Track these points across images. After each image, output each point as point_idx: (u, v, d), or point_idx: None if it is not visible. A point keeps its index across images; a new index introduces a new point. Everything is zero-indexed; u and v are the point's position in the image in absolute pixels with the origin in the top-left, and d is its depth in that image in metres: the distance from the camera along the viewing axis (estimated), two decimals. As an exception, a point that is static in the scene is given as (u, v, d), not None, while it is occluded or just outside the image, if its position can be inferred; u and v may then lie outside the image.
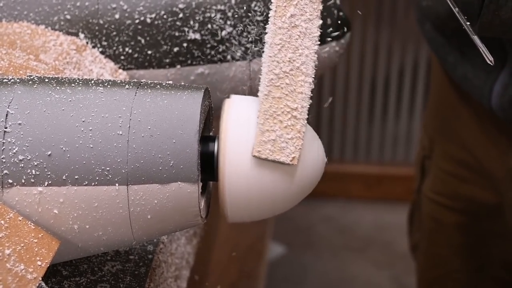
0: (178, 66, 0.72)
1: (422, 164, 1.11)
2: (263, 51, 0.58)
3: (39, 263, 0.53)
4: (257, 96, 0.59)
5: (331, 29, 0.75)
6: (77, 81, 0.57)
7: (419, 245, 1.16)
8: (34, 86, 0.56)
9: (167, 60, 0.72)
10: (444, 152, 1.05)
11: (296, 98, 0.57)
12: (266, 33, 0.58)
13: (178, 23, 0.71)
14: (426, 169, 1.10)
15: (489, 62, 0.65)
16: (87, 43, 0.71)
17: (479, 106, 0.94)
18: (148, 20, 0.71)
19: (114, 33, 0.71)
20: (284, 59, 0.57)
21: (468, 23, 0.66)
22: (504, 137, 0.95)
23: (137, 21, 0.71)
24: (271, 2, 0.58)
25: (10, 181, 0.54)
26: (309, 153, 0.57)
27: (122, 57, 0.72)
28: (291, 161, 0.56)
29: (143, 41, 0.71)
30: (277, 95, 0.57)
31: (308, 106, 0.58)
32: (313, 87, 0.58)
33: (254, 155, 0.56)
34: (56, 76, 0.61)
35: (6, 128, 0.54)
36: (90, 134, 0.54)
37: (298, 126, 0.57)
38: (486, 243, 1.06)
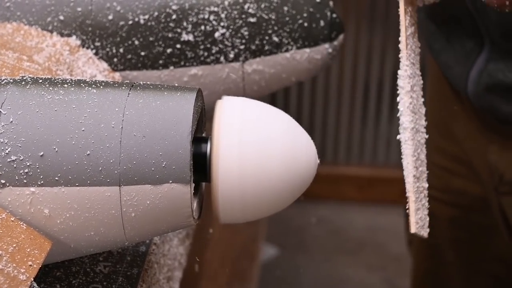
0: (171, 67, 0.73)
1: None
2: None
3: (31, 263, 0.53)
4: (249, 97, 0.59)
5: (324, 31, 0.76)
6: (70, 81, 0.57)
7: (414, 239, 1.17)
8: (27, 87, 0.56)
9: (160, 61, 0.72)
10: (436, 146, 1.06)
11: (425, 179, 0.68)
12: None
13: (171, 24, 0.71)
14: None
15: None
16: (80, 44, 0.71)
17: (466, 99, 0.95)
18: (142, 21, 0.71)
19: (107, 34, 0.71)
20: (418, 156, 0.68)
21: None
22: (482, 130, 0.96)
23: (130, 22, 0.71)
24: (403, 115, 0.69)
25: (3, 181, 0.54)
26: (301, 155, 0.58)
27: (115, 58, 0.72)
28: (427, 234, 0.65)
29: (136, 42, 0.71)
30: (418, 174, 0.67)
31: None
32: None
33: (415, 232, 0.64)
34: (49, 76, 0.61)
35: (-2, 128, 0.54)
36: (83, 135, 0.54)
37: (427, 204, 0.67)
38: (478, 236, 1.07)
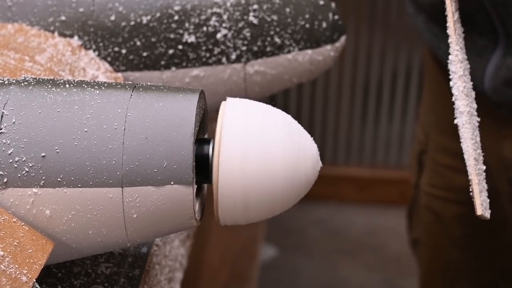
0: (173, 69, 0.72)
1: (419, 159, 1.12)
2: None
3: (33, 264, 0.53)
4: (251, 98, 0.59)
5: (326, 32, 0.76)
6: (73, 82, 0.57)
7: (419, 240, 1.17)
8: (30, 88, 0.56)
9: (162, 62, 0.72)
10: (438, 145, 1.06)
11: (481, 160, 0.70)
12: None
13: (173, 25, 0.71)
14: (423, 163, 1.11)
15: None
16: (82, 44, 0.71)
17: (478, 95, 0.95)
18: (144, 22, 0.71)
19: (110, 34, 0.71)
20: (475, 139, 0.71)
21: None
22: (495, 125, 0.97)
23: (132, 23, 0.71)
24: (458, 99, 0.71)
25: (5, 181, 0.54)
26: (303, 157, 0.58)
27: (117, 59, 0.72)
28: (489, 215, 0.68)
29: (138, 43, 0.71)
30: (478, 167, 0.69)
31: None
32: None
33: (481, 214, 0.67)
34: (52, 77, 0.61)
35: (1, 129, 0.54)
36: (85, 136, 0.54)
37: (486, 186, 0.69)
38: (485, 232, 1.08)
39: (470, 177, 0.69)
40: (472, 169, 0.69)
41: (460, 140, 0.70)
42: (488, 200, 0.68)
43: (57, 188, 0.54)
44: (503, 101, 0.92)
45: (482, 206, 0.67)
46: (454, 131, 1.03)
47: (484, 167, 0.70)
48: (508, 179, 0.98)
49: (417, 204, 1.15)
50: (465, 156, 0.69)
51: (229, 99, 0.59)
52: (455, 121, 0.71)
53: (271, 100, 0.68)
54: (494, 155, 0.98)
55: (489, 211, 0.68)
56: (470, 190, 0.68)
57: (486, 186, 0.69)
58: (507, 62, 0.88)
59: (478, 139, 0.71)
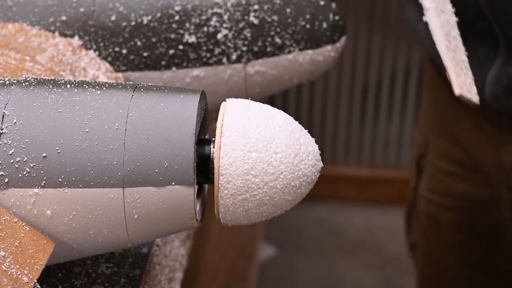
0: (174, 69, 0.73)
1: (418, 163, 1.12)
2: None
3: (34, 265, 0.53)
4: (251, 99, 0.59)
5: (326, 33, 0.76)
6: (74, 83, 0.57)
7: (417, 244, 1.17)
8: (31, 88, 0.56)
9: (163, 62, 0.72)
10: (438, 150, 1.06)
11: (462, 53, 0.72)
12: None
13: (174, 25, 0.71)
14: (422, 168, 1.11)
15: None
16: (83, 44, 0.71)
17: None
18: (144, 22, 0.71)
19: (110, 34, 0.71)
20: (449, 32, 0.72)
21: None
22: (496, 132, 0.97)
23: (133, 23, 0.71)
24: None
25: (6, 181, 0.54)
26: (305, 158, 0.58)
27: (118, 59, 0.72)
28: (477, 100, 0.68)
29: (139, 43, 0.71)
30: (452, 47, 0.71)
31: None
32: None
33: (459, 94, 0.67)
34: (53, 77, 0.61)
35: (2, 129, 0.54)
36: (86, 136, 0.54)
37: (470, 74, 0.70)
38: (482, 238, 1.08)
39: (445, 64, 0.71)
40: (445, 56, 0.71)
41: (432, 37, 0.72)
42: (475, 89, 0.70)
43: (58, 189, 0.54)
44: (503, 109, 0.91)
45: (461, 87, 0.69)
46: (454, 138, 1.03)
47: (465, 58, 0.73)
48: (508, 185, 0.98)
49: (415, 208, 1.15)
50: (438, 47, 0.71)
51: (229, 99, 0.59)
52: (424, 18, 0.73)
53: (271, 100, 0.70)
54: (495, 161, 0.98)
55: (477, 96, 0.70)
56: (447, 76, 0.70)
57: (471, 75, 0.71)
58: (508, 70, 0.88)
59: (455, 33, 0.73)
